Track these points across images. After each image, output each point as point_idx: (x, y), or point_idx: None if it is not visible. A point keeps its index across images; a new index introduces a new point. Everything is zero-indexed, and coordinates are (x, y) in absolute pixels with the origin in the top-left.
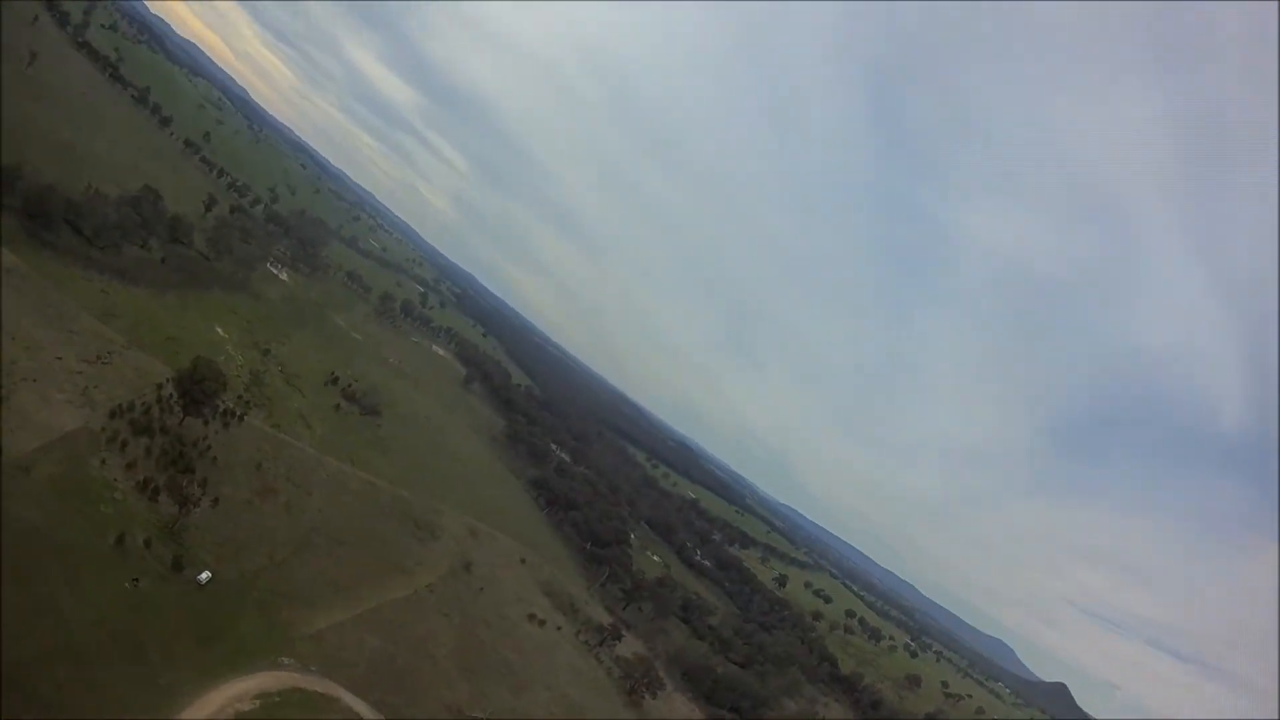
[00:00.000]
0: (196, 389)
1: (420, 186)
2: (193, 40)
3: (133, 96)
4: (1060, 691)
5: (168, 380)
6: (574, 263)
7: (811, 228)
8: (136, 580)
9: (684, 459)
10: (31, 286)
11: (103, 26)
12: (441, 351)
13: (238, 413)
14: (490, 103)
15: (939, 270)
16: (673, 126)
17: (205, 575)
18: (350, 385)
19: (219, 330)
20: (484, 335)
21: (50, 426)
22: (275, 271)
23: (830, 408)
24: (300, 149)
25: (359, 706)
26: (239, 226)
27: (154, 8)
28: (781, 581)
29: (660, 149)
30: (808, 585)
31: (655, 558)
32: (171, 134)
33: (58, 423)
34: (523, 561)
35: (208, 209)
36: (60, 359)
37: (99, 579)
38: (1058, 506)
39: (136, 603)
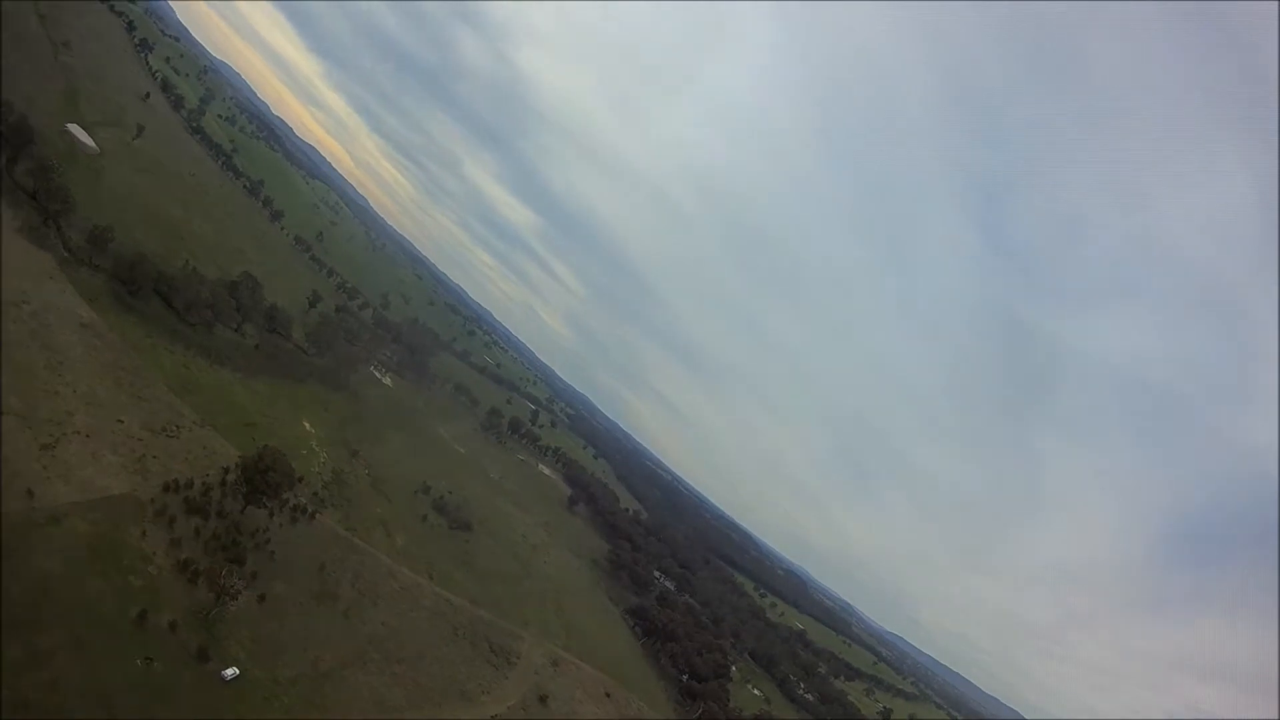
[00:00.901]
0: (260, 479)
1: (537, 307)
2: (313, 145)
3: (245, 187)
4: None
5: (236, 465)
6: (686, 387)
7: (921, 351)
8: (150, 660)
9: (792, 588)
10: (107, 346)
11: (220, 117)
12: (548, 471)
13: (309, 510)
14: (606, 227)
15: (1050, 386)
16: (781, 250)
17: (231, 671)
18: (443, 497)
19: (306, 424)
20: (594, 457)
21: (93, 485)
22: (379, 375)
23: (940, 533)
24: (418, 261)
25: None
26: (344, 326)
27: (277, 110)
28: (885, 715)
29: (770, 273)
30: (912, 718)
31: (756, 692)
32: (282, 229)
33: (103, 483)
34: (608, 696)
35: (311, 305)
36: (121, 422)
37: (108, 649)
38: (1171, 619)
39: (144, 683)
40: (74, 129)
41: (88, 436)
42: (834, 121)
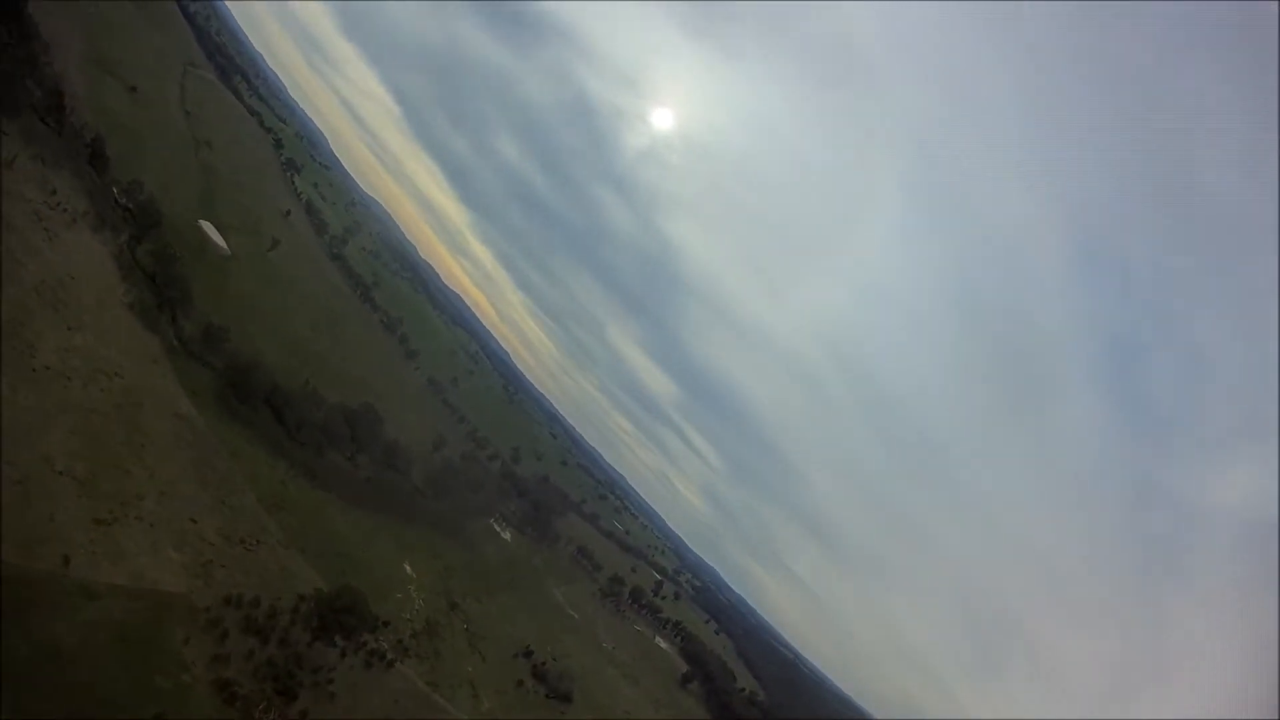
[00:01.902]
0: (334, 618)
1: (672, 476)
2: (459, 293)
3: (382, 322)
4: None
5: (314, 595)
6: (816, 563)
7: (1054, 525)
8: None
9: None
10: (200, 443)
11: (364, 250)
12: (664, 644)
13: (389, 657)
14: (745, 399)
15: (1183, 545)
16: (914, 419)
17: None
18: (545, 663)
19: (407, 567)
20: (716, 632)
21: (143, 575)
22: (498, 529)
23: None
24: (555, 420)
25: None
26: (468, 474)
27: (424, 254)
28: None
29: (903, 443)
30: None
31: None
32: (416, 369)
33: (155, 575)
34: None
35: (436, 448)
36: (195, 522)
37: None
38: None
39: None
40: (206, 226)
41: (151, 525)
42: (967, 290)
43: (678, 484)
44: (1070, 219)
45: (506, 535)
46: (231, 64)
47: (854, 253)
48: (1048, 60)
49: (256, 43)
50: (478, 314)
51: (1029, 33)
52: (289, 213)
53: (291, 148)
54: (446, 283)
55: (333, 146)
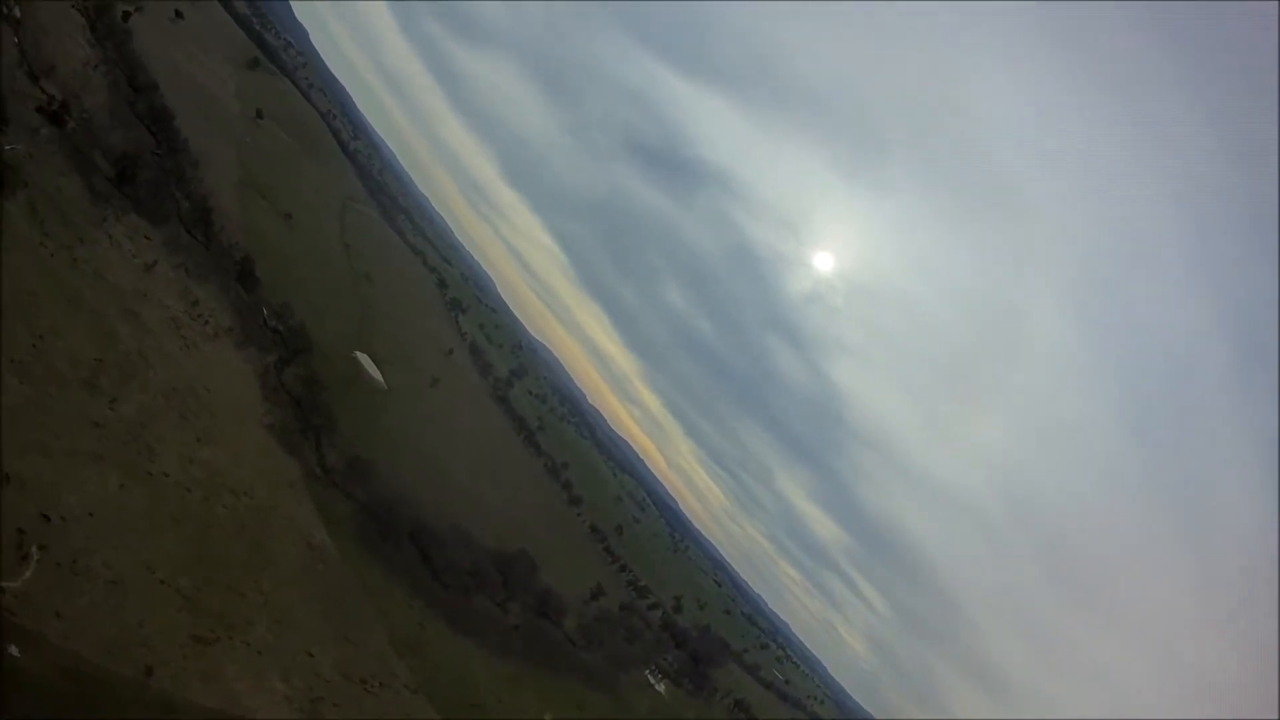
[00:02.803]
0: None
1: (838, 624)
2: (627, 439)
3: (545, 466)
4: None
5: None
6: (981, 708)
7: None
8: None
9: None
10: (330, 575)
11: (530, 393)
12: None
13: None
14: (915, 545)
15: None
16: (1088, 555)
17: None
18: None
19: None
20: None
21: (239, 701)
22: (652, 681)
23: None
24: (721, 567)
25: None
26: (625, 625)
27: (592, 400)
28: None
29: (1075, 581)
30: None
31: None
32: (579, 515)
33: (253, 704)
34: None
35: (594, 597)
36: (312, 655)
37: None
38: None
39: None
40: (362, 358)
41: (259, 653)
42: (1131, 406)
43: (843, 631)
44: (1237, 324)
45: (660, 687)
46: (394, 203)
47: (1020, 383)
48: (1199, 164)
49: (421, 185)
50: (646, 461)
51: (1176, 137)
52: (451, 351)
53: (456, 288)
54: (614, 429)
55: (500, 291)
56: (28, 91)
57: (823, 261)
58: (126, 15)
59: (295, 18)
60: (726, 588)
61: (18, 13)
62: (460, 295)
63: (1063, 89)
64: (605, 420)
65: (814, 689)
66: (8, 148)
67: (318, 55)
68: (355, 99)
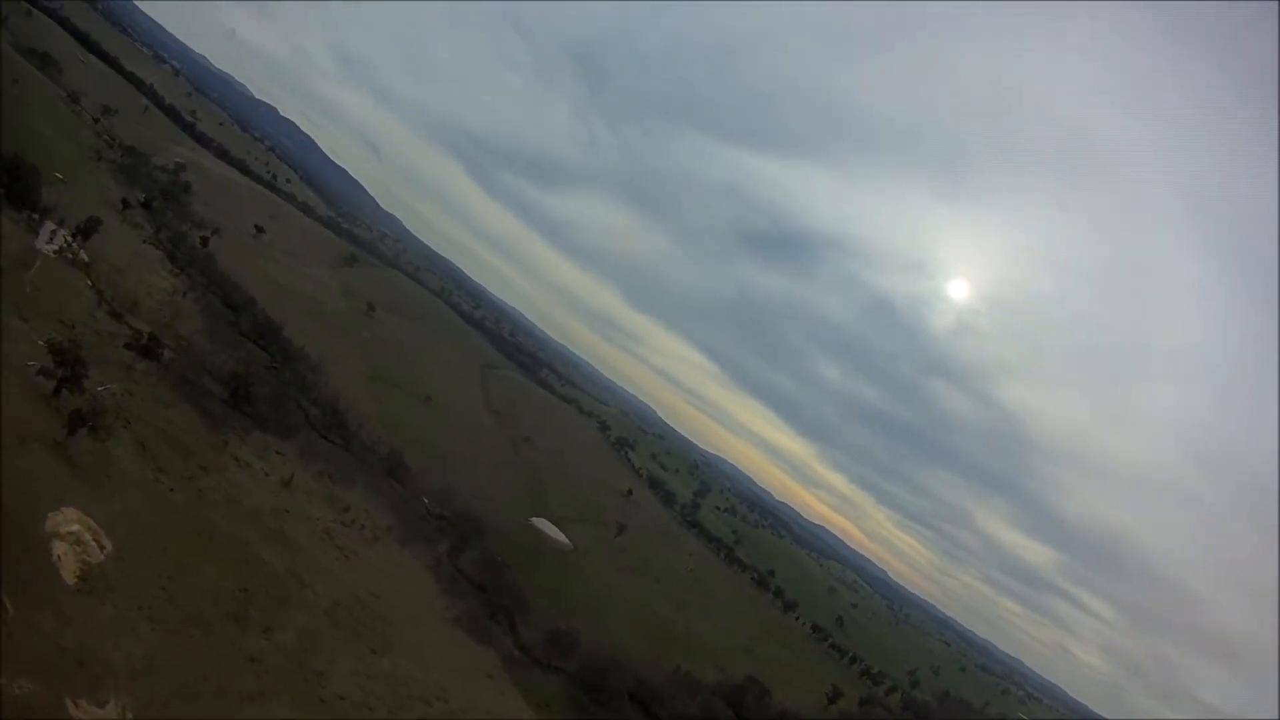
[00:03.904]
0: None
1: (1068, 643)
2: (822, 525)
3: (752, 579)
4: None
5: None
6: (1229, 686)
7: None
8: None
9: None
10: None
11: (717, 509)
12: None
13: None
14: (1124, 541)
15: None
16: None
17: None
18: None
19: None
20: None
21: None
22: None
23: None
24: (944, 624)
25: None
26: (869, 719)
27: (779, 496)
28: None
29: None
30: None
31: None
32: (797, 618)
33: None
34: None
35: (831, 701)
36: None
37: None
38: None
39: None
40: (540, 523)
41: None
42: None
43: (1074, 650)
44: None
45: None
46: (534, 359)
47: (1174, 340)
48: None
49: (555, 335)
50: (846, 540)
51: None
52: (630, 491)
53: (619, 426)
54: (808, 518)
55: (661, 415)
56: (112, 330)
57: (958, 290)
58: (205, 240)
59: (382, 209)
60: (955, 644)
61: (84, 255)
62: (625, 432)
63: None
64: (797, 512)
65: (1060, 716)
66: (100, 389)
67: (415, 238)
68: (465, 270)
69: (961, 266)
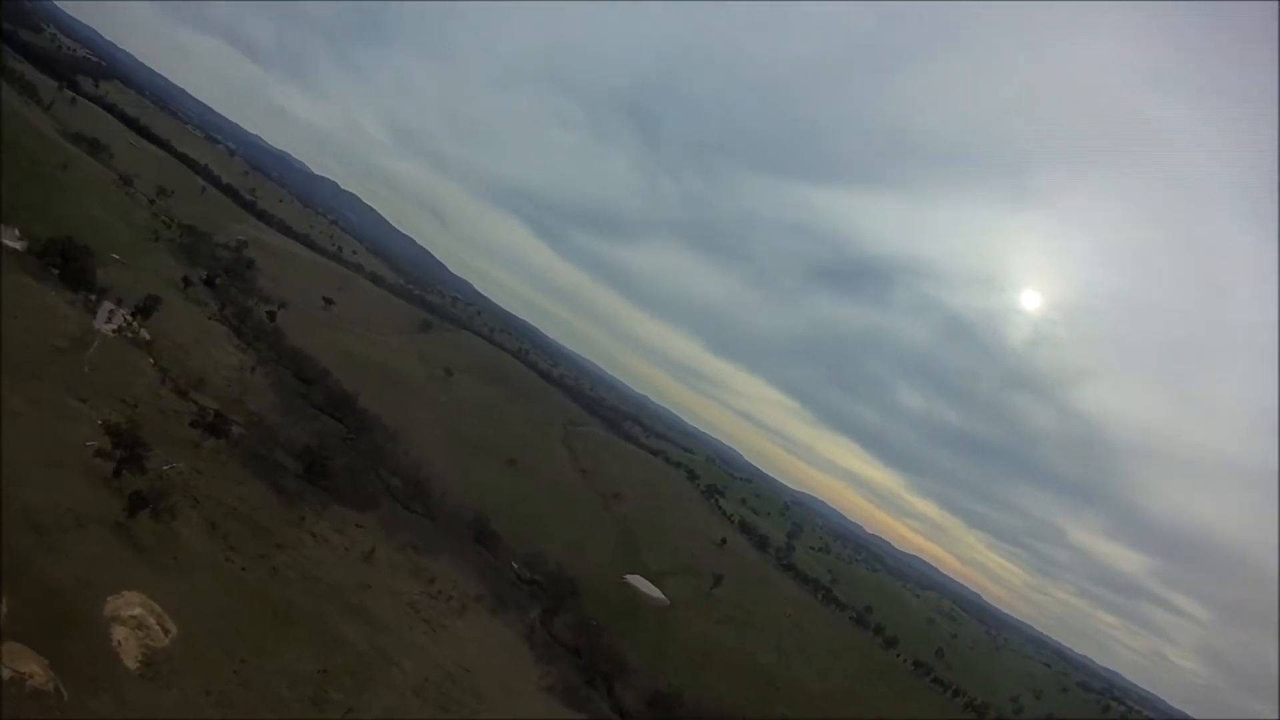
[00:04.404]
0: None
1: (1165, 650)
2: (915, 554)
3: (851, 618)
4: None
5: None
6: None
7: None
8: None
9: None
10: None
11: (811, 549)
12: None
13: None
14: (1216, 535)
15: None
16: None
17: None
18: None
19: None
20: None
21: None
22: None
23: None
24: (1041, 644)
25: None
26: None
27: (870, 529)
28: None
29: None
30: None
31: None
32: (898, 655)
33: None
34: None
35: None
36: None
37: None
38: None
39: None
40: (635, 580)
41: None
42: None
43: (1171, 656)
44: None
45: None
46: (617, 413)
47: (1247, 317)
48: None
49: (636, 387)
50: (939, 567)
51: None
52: (724, 540)
53: (707, 473)
54: (900, 549)
55: (747, 458)
56: (178, 408)
57: (1030, 300)
58: (272, 315)
59: (452, 273)
60: (1054, 664)
61: (145, 334)
62: (713, 479)
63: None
64: (889, 543)
65: None
66: (165, 468)
67: (487, 300)
68: (540, 328)
69: (1031, 275)
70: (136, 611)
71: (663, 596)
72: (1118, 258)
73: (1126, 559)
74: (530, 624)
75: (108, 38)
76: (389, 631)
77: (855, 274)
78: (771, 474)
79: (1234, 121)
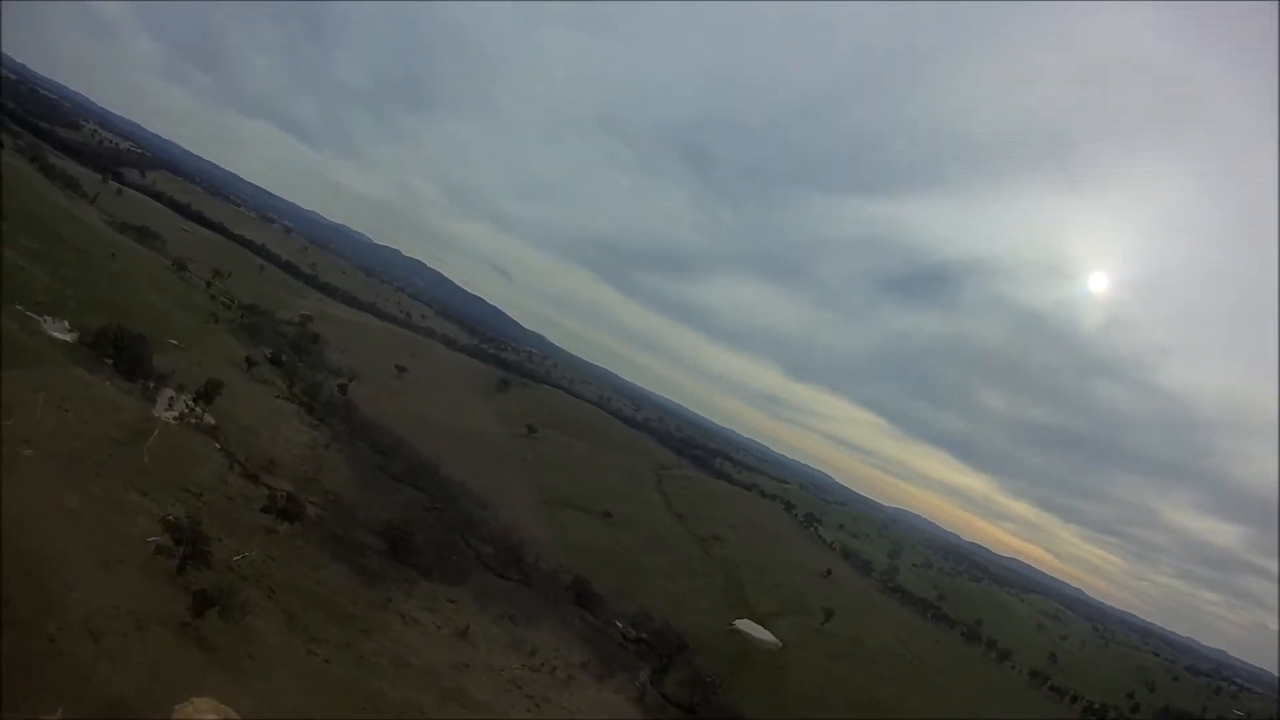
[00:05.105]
0: None
1: (1268, 621)
2: (1013, 557)
3: (962, 634)
4: None
5: None
6: None
7: None
8: None
9: None
10: None
11: (914, 566)
12: None
13: None
14: None
15: None
16: None
17: None
18: None
19: None
20: None
21: None
22: None
23: None
24: (1148, 633)
25: None
26: None
27: (967, 537)
28: None
29: None
30: None
31: None
32: (1012, 667)
33: None
34: None
35: None
36: None
37: None
38: None
39: None
40: (745, 625)
41: None
42: None
43: (1273, 626)
44: None
45: None
46: (705, 451)
47: None
48: None
49: (721, 421)
50: (1038, 567)
51: None
52: (829, 571)
53: (802, 502)
54: (998, 553)
55: (839, 481)
56: (247, 493)
57: (1098, 283)
58: (343, 388)
59: (525, 328)
60: (1163, 653)
61: (209, 418)
62: (808, 507)
63: None
64: (986, 549)
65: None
66: (236, 558)
67: (563, 351)
68: (619, 374)
69: (1095, 257)
70: (209, 719)
71: (774, 639)
72: (1178, 226)
73: (1222, 532)
74: (640, 686)
75: (151, 130)
76: (491, 711)
77: (923, 282)
78: (865, 493)
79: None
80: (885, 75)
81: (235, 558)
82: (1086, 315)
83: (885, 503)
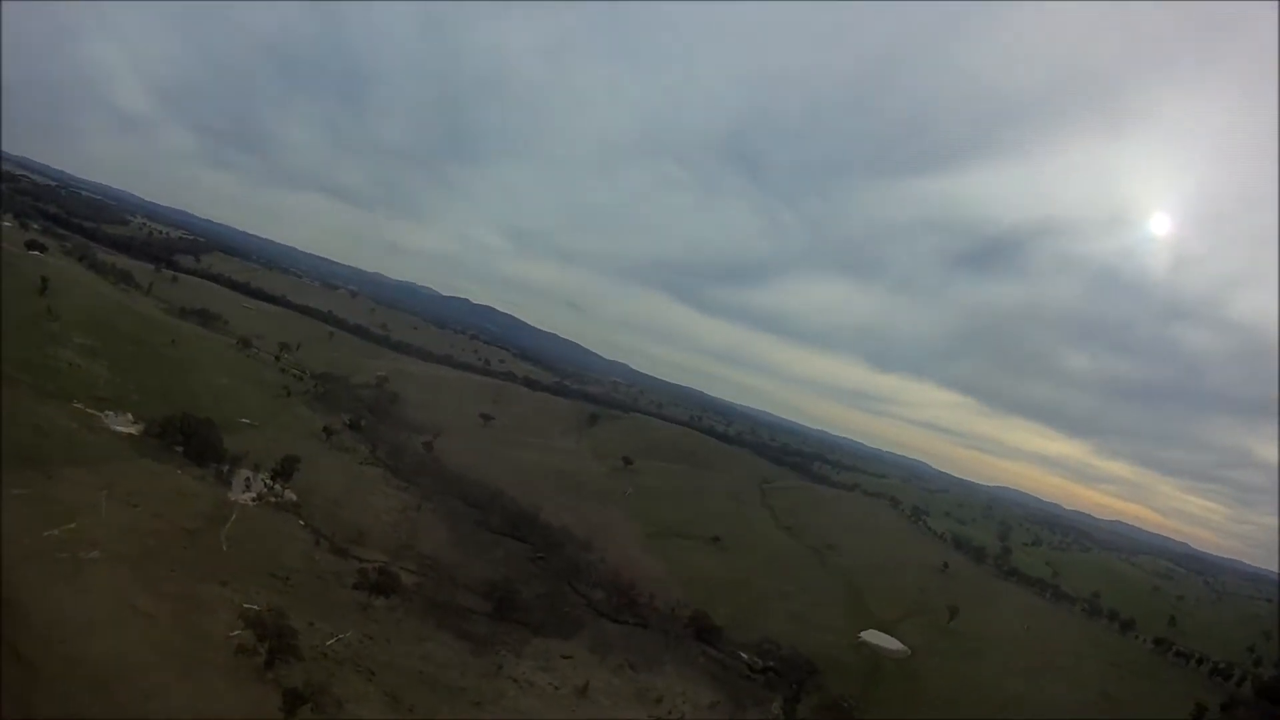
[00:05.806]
0: None
1: None
2: (1116, 519)
3: (1084, 610)
4: None
5: None
6: None
7: None
8: None
9: None
10: None
11: (1025, 545)
12: None
13: None
14: None
15: None
16: None
17: None
18: None
19: None
20: None
21: None
22: None
23: None
24: (1257, 578)
25: None
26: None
27: (1068, 505)
28: None
29: None
30: None
31: None
32: (1137, 637)
33: None
34: None
35: (1198, 715)
36: None
37: None
38: None
39: None
40: (871, 636)
41: None
42: None
43: None
44: None
45: None
46: (803, 456)
47: None
48: None
49: (812, 425)
50: (1142, 526)
51: None
52: (946, 565)
53: (906, 495)
54: (1100, 518)
55: (936, 467)
56: (337, 569)
57: (1160, 224)
58: (428, 445)
59: (605, 359)
60: (1275, 597)
61: (291, 495)
62: (913, 500)
63: None
64: (1090, 515)
65: None
66: (330, 642)
67: (647, 377)
68: (706, 391)
69: (1154, 199)
70: None
71: (902, 646)
72: (1231, 152)
73: None
74: (774, 716)
75: (202, 216)
76: None
77: (990, 252)
78: (963, 476)
79: None
80: (920, 47)
81: (329, 642)
82: (1153, 259)
83: (984, 483)
